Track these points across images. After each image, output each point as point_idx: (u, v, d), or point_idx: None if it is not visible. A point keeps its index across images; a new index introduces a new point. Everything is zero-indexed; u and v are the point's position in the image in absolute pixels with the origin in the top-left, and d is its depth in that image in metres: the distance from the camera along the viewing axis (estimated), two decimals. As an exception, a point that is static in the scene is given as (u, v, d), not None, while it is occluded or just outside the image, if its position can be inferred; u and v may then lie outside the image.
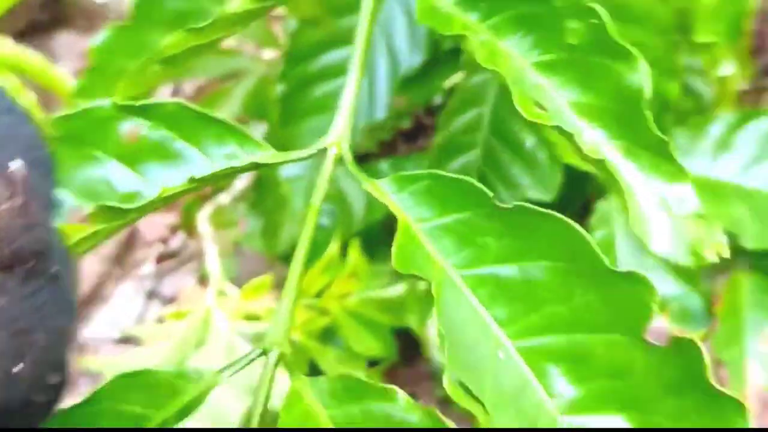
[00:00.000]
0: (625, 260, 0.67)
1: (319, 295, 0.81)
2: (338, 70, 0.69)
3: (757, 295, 0.68)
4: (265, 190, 0.92)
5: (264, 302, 0.82)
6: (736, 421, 0.36)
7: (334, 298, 0.80)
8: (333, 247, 0.80)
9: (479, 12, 0.46)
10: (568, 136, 0.44)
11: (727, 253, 0.41)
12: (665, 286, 0.68)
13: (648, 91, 0.42)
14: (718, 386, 0.37)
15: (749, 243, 0.67)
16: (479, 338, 0.39)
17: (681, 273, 0.68)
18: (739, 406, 0.36)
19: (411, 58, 0.69)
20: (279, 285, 0.78)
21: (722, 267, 0.71)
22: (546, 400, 0.37)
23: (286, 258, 0.96)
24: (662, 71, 0.56)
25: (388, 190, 0.44)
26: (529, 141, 0.65)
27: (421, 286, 0.72)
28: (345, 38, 0.68)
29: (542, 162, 0.65)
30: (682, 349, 0.37)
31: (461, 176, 0.42)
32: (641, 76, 0.42)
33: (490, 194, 0.41)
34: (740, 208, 0.68)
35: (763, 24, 1.60)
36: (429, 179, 0.43)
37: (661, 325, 0.67)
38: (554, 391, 0.38)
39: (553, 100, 0.44)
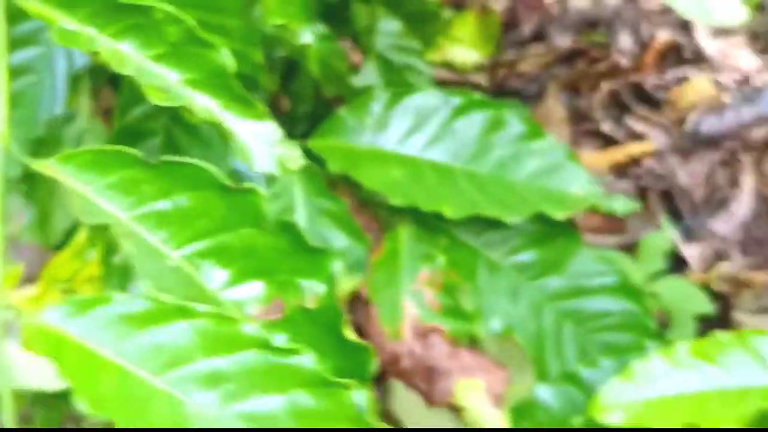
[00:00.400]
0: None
1: (71, 279, 0.88)
2: (21, 70, 0.78)
3: (413, 245, 0.80)
4: (36, 181, 0.98)
5: (24, 291, 0.88)
6: (323, 263, 0.54)
7: (85, 281, 0.88)
8: (81, 234, 0.88)
9: (96, 27, 0.57)
10: (188, 110, 0.56)
11: (302, 162, 0.55)
12: (338, 242, 0.80)
13: (231, 66, 0.55)
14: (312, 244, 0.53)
15: (401, 201, 0.78)
16: (153, 256, 0.52)
17: (350, 231, 0.79)
18: (325, 254, 0.54)
19: (83, 58, 0.78)
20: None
21: (387, 224, 0.83)
22: (206, 285, 0.53)
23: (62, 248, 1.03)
24: (246, 43, 0.69)
25: (57, 168, 0.54)
26: (206, 125, 0.75)
27: (116, 260, 0.81)
28: (25, 41, 0.77)
29: (217, 143, 0.76)
30: (285, 228, 0.54)
31: (119, 147, 0.54)
32: (225, 57, 0.55)
33: (141, 155, 0.54)
34: (398, 173, 0.80)
35: (515, 1, 1.74)
36: (91, 154, 0.55)
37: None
38: (211, 278, 0.53)
39: (170, 81, 0.56)
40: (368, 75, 1.03)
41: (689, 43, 1.49)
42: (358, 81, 1.04)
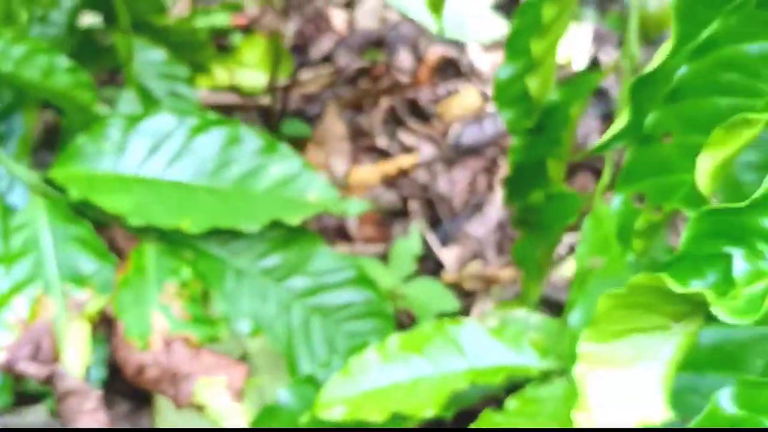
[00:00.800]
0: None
1: None
2: None
3: (159, 260, 0.86)
4: None
5: None
6: None
7: None
8: None
9: None
10: None
11: None
12: (86, 265, 0.84)
13: None
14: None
15: (140, 221, 0.84)
16: None
17: (97, 253, 0.84)
18: None
19: None
20: None
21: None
22: None
23: None
24: None
25: None
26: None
27: None
28: None
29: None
30: None
31: None
32: None
33: None
34: (139, 194, 0.86)
35: (304, 25, 1.82)
36: None
37: (82, 296, 0.82)
38: None
39: None
40: (127, 104, 1.09)
41: (463, 57, 1.61)
42: (119, 110, 1.09)
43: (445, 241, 1.21)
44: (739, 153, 0.43)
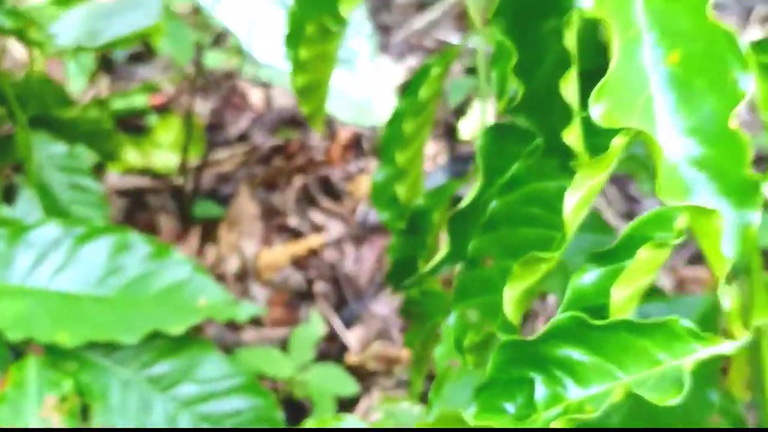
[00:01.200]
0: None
1: None
2: None
3: (41, 372, 0.81)
4: None
5: None
6: None
7: None
8: None
9: None
10: None
11: None
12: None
13: None
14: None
15: (18, 335, 0.80)
16: None
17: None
18: None
19: None
20: None
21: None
22: None
23: None
24: None
25: None
26: None
27: None
28: None
29: None
30: None
31: None
32: None
33: None
34: (22, 306, 0.82)
35: (221, 103, 1.79)
36: None
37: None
38: None
39: None
40: (25, 202, 1.05)
41: (373, 135, 1.59)
42: (18, 210, 1.06)
43: (350, 321, 1.18)
44: (540, 282, 0.45)
